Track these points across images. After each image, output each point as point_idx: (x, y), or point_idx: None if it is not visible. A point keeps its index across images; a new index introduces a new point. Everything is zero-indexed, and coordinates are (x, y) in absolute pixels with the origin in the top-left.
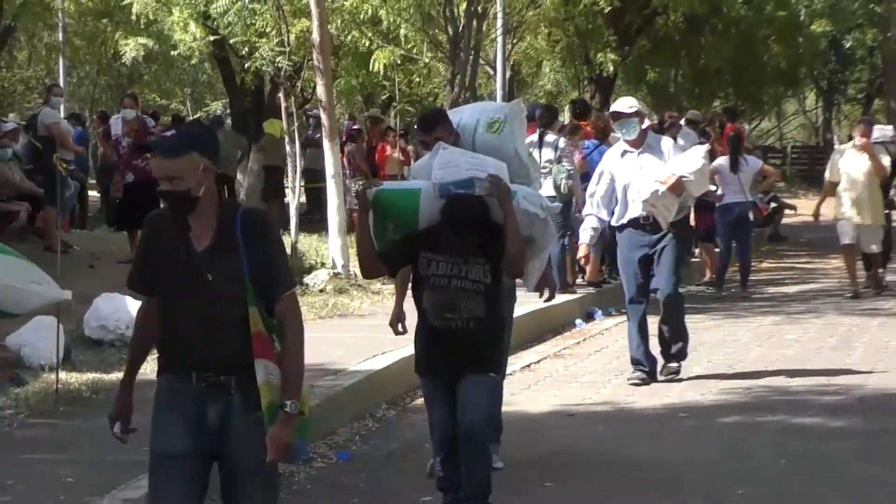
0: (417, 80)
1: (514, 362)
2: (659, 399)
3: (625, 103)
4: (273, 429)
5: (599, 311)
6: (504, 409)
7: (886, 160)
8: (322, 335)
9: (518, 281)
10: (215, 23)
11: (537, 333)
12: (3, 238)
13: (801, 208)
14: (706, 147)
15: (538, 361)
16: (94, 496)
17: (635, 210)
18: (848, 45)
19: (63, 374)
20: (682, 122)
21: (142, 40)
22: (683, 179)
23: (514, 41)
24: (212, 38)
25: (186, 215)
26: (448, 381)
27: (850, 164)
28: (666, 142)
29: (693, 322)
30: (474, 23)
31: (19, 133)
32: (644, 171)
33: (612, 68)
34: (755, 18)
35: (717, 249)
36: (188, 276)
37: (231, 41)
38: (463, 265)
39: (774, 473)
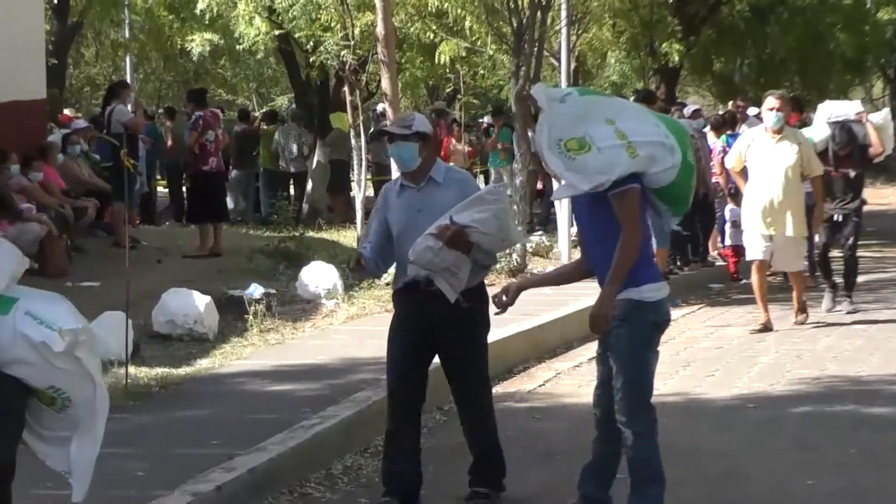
0: (482, 72)
1: (583, 353)
2: (727, 390)
3: (401, 121)
4: None
5: None
6: (572, 400)
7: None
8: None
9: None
10: (280, 17)
11: None
12: (71, 233)
13: (869, 197)
14: (502, 185)
15: None
16: (163, 490)
17: (412, 269)
18: None
19: (132, 369)
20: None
21: (207, 36)
22: (468, 230)
23: (579, 32)
24: (276, 32)
25: None
26: None
27: (764, 154)
28: (460, 176)
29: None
30: (538, 14)
31: (90, 131)
32: (423, 216)
33: (677, 58)
34: (820, 7)
35: None
36: None
37: (296, 35)
38: None
39: (844, 464)
